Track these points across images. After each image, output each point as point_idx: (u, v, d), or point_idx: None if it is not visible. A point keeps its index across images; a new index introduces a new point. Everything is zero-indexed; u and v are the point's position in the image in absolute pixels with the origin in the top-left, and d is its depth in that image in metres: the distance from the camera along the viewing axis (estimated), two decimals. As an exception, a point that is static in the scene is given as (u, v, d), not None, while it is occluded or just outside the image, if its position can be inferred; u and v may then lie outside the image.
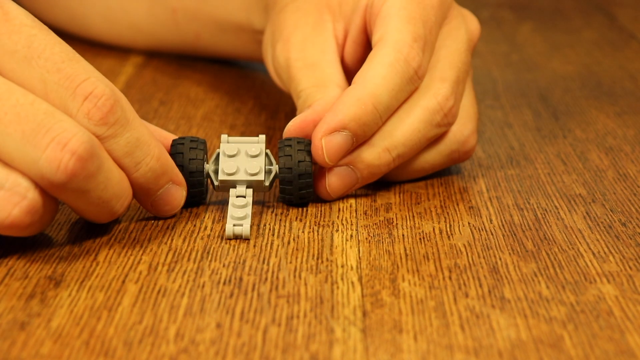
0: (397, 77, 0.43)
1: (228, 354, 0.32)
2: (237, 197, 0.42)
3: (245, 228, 0.40)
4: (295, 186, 0.43)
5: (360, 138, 0.43)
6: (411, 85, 0.44)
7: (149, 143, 0.39)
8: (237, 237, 0.40)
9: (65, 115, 0.37)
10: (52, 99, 0.37)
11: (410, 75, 0.43)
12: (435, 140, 0.45)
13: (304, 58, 0.46)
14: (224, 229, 0.41)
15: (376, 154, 0.43)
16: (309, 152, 0.43)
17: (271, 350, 0.32)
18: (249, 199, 0.42)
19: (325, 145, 0.42)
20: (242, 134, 0.53)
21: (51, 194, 0.37)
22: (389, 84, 0.43)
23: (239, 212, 0.41)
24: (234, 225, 0.40)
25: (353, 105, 0.42)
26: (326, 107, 0.43)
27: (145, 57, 0.65)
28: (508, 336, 0.33)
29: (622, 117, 0.58)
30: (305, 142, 0.43)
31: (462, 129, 0.46)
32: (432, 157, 0.46)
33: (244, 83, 0.62)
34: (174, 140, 0.43)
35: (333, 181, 0.43)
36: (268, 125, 0.55)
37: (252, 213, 0.42)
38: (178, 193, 0.41)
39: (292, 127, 0.44)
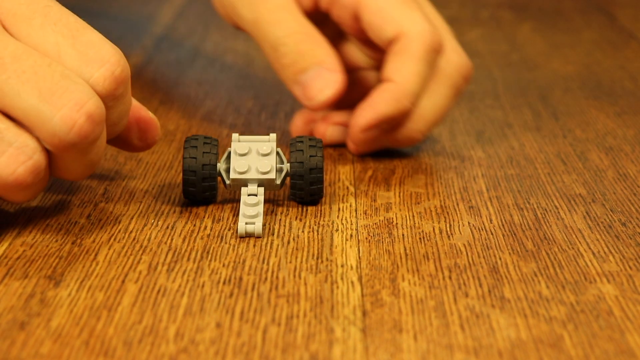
0: (427, 67, 0.47)
1: (228, 354, 0.32)
2: (248, 195, 0.42)
3: (257, 226, 0.41)
4: (306, 181, 0.43)
5: (394, 126, 0.47)
6: (435, 63, 0.48)
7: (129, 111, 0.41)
8: (249, 235, 0.41)
9: (81, 79, 0.37)
10: (65, 64, 0.38)
11: (435, 57, 0.47)
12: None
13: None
14: (236, 228, 0.41)
15: (408, 136, 0.48)
16: (321, 148, 0.43)
17: (271, 350, 0.32)
18: (261, 197, 0.42)
19: (365, 138, 0.47)
20: (242, 134, 0.53)
21: (54, 152, 0.38)
22: (421, 77, 0.47)
23: (251, 210, 0.41)
24: (246, 223, 0.41)
25: (391, 105, 0.46)
26: (336, 93, 0.46)
27: (145, 57, 0.65)
28: (508, 336, 0.33)
29: (622, 117, 0.58)
30: (317, 140, 0.44)
31: (463, 62, 0.50)
32: (448, 102, 0.49)
33: (244, 83, 0.62)
34: (188, 137, 0.44)
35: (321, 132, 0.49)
36: (268, 125, 0.55)
37: (263, 211, 0.42)
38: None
39: (299, 123, 0.49)
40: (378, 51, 0.49)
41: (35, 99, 0.36)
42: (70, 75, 0.37)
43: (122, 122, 0.40)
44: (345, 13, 0.48)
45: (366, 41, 0.49)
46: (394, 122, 0.46)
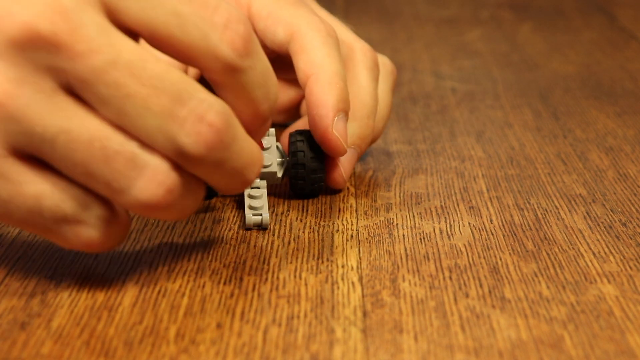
0: (334, 50, 0.45)
1: (228, 354, 0.32)
2: (252, 188, 0.43)
3: (265, 217, 0.42)
4: (308, 169, 0.44)
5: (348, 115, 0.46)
6: (344, 52, 0.48)
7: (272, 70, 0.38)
8: (257, 226, 0.42)
9: (198, 83, 0.35)
10: (191, 32, 0.35)
11: (336, 43, 0.46)
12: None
13: None
14: (244, 220, 0.42)
15: (365, 125, 0.46)
16: (321, 150, 0.44)
17: (271, 351, 0.32)
18: (264, 190, 0.43)
19: (339, 133, 0.44)
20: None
21: (187, 168, 0.35)
22: (334, 58, 0.46)
23: (256, 202, 0.42)
24: (253, 215, 0.42)
25: (333, 90, 0.45)
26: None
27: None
28: (508, 336, 0.33)
29: (622, 117, 0.58)
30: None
31: (384, 60, 0.50)
32: (389, 96, 0.50)
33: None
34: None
35: (346, 167, 0.46)
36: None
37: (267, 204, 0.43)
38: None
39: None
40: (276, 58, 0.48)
41: (159, 116, 0.33)
42: (187, 81, 0.34)
43: (267, 84, 0.37)
44: None
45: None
46: (347, 108, 0.45)
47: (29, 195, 0.33)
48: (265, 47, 0.46)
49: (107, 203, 0.35)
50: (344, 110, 0.44)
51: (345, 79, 0.45)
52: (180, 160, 0.34)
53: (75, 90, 0.33)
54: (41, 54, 0.32)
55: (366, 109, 0.47)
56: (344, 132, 0.44)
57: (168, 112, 0.34)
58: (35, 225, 0.34)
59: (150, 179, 0.34)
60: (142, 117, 0.33)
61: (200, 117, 0.34)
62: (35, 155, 0.33)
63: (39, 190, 0.34)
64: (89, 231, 0.34)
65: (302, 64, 0.44)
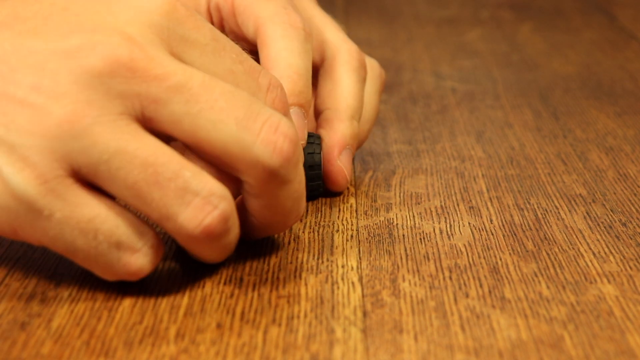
0: (298, 42, 0.45)
1: (228, 354, 0.32)
2: None
3: None
4: (306, 177, 0.43)
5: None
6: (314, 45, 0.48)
7: None
8: None
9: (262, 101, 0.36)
10: (242, 89, 0.36)
11: (300, 34, 0.45)
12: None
13: None
14: None
15: (349, 125, 0.46)
16: (319, 145, 0.44)
17: (271, 351, 0.32)
18: None
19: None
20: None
21: (257, 186, 0.36)
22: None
23: None
24: None
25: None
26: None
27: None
28: (508, 336, 0.33)
29: (622, 117, 0.58)
30: (315, 136, 0.44)
31: (372, 63, 0.50)
32: (375, 100, 0.50)
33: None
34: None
35: (347, 167, 0.46)
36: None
37: None
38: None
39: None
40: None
41: (234, 127, 0.34)
42: (255, 98, 0.36)
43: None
44: (233, 22, 0.48)
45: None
46: (302, 97, 0.44)
47: (84, 217, 0.34)
48: (247, 43, 0.46)
49: (155, 232, 0.36)
50: (297, 104, 0.43)
51: (303, 73, 0.43)
52: (256, 173, 0.35)
53: (147, 114, 0.34)
54: (117, 79, 0.34)
55: (350, 110, 0.46)
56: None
57: (243, 124, 0.34)
58: (85, 252, 0.34)
59: (199, 208, 0.34)
60: (217, 130, 0.34)
61: (275, 127, 0.35)
62: (92, 181, 0.34)
63: (94, 213, 0.34)
64: (140, 259, 0.35)
65: (263, 59, 0.44)
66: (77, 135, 0.33)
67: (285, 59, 0.43)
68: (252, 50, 0.45)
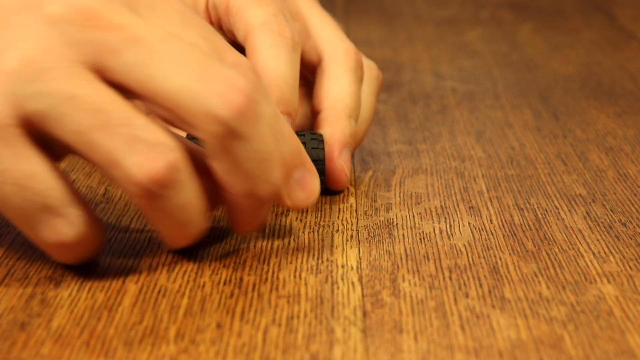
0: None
1: (228, 354, 0.32)
2: None
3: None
4: None
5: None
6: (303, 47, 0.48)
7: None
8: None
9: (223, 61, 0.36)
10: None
11: (284, 36, 0.45)
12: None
13: None
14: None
15: (347, 125, 0.46)
16: (321, 142, 0.44)
17: (271, 351, 0.32)
18: None
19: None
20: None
21: (213, 144, 0.35)
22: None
23: None
24: None
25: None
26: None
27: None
28: (508, 336, 0.33)
29: (622, 117, 0.58)
30: (317, 134, 0.45)
31: (369, 64, 0.50)
32: (372, 100, 0.50)
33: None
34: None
35: (348, 164, 0.46)
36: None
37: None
38: None
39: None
40: None
41: (189, 78, 0.34)
42: (215, 57, 0.36)
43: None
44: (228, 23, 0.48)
45: None
46: (286, 104, 0.44)
47: (24, 172, 0.34)
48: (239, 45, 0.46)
49: (90, 210, 0.36)
50: (285, 112, 0.43)
51: (290, 82, 0.44)
52: (207, 129, 0.34)
53: (103, 63, 0.34)
54: (75, 27, 0.34)
55: (348, 109, 0.46)
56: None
57: (197, 75, 0.34)
58: (16, 209, 0.35)
59: (146, 153, 0.34)
60: (169, 80, 0.34)
61: (231, 83, 0.35)
62: (42, 128, 0.34)
63: (34, 169, 0.34)
64: (65, 227, 0.35)
65: (260, 58, 0.44)
66: (31, 79, 0.34)
67: (273, 68, 0.43)
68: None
